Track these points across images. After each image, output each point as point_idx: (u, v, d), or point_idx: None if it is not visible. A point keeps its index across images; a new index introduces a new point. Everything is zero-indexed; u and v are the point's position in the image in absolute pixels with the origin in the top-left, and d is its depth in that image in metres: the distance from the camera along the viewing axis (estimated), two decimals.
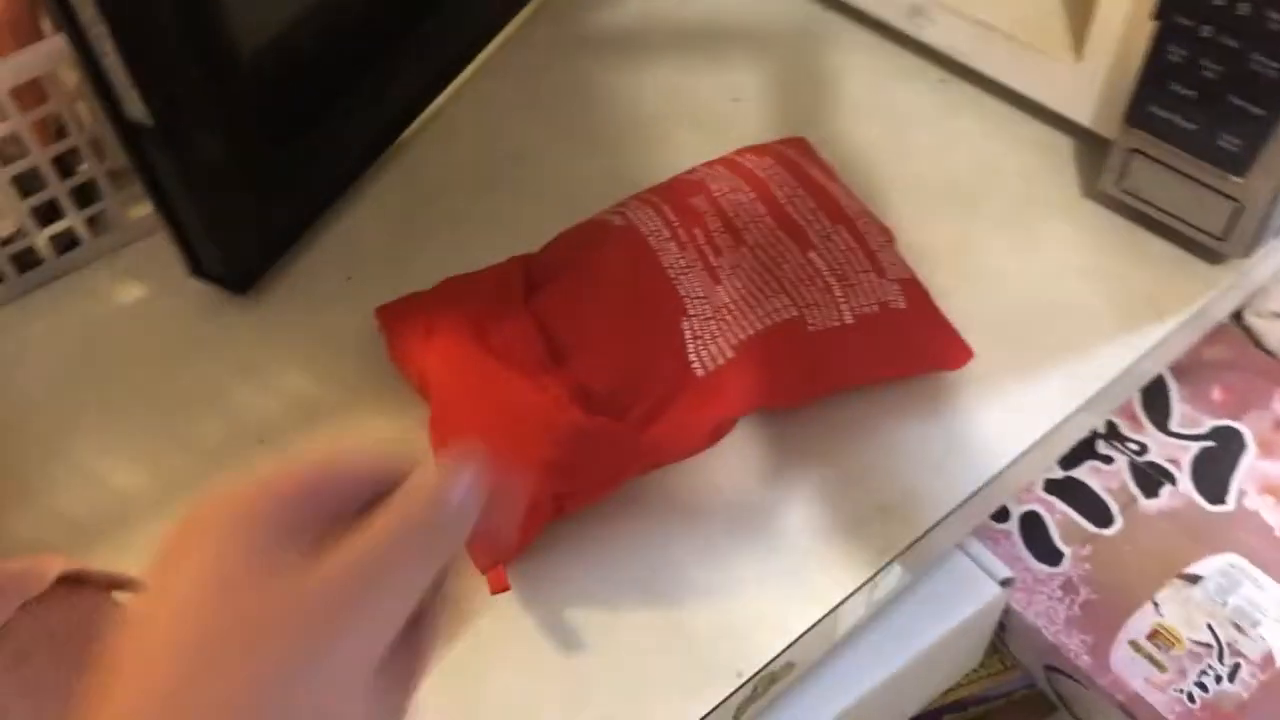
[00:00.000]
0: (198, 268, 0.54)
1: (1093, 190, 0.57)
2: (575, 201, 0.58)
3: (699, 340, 0.46)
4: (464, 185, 0.61)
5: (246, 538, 0.25)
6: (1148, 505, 0.62)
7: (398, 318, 0.50)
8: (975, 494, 0.47)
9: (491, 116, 0.64)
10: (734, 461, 0.48)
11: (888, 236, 0.51)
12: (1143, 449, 0.64)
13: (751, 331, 0.47)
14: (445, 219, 0.59)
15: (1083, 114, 0.56)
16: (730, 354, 0.46)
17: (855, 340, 0.47)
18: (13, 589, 0.34)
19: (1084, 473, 0.63)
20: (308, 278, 0.57)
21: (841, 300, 0.48)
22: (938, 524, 0.46)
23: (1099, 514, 0.62)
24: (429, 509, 0.27)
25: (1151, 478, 0.63)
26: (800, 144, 0.56)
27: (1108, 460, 0.64)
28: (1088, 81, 0.55)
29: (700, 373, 0.45)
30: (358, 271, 0.57)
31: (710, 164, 0.53)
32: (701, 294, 0.47)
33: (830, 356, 0.47)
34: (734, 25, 0.68)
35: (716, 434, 0.47)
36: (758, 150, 0.54)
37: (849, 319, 0.47)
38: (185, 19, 0.45)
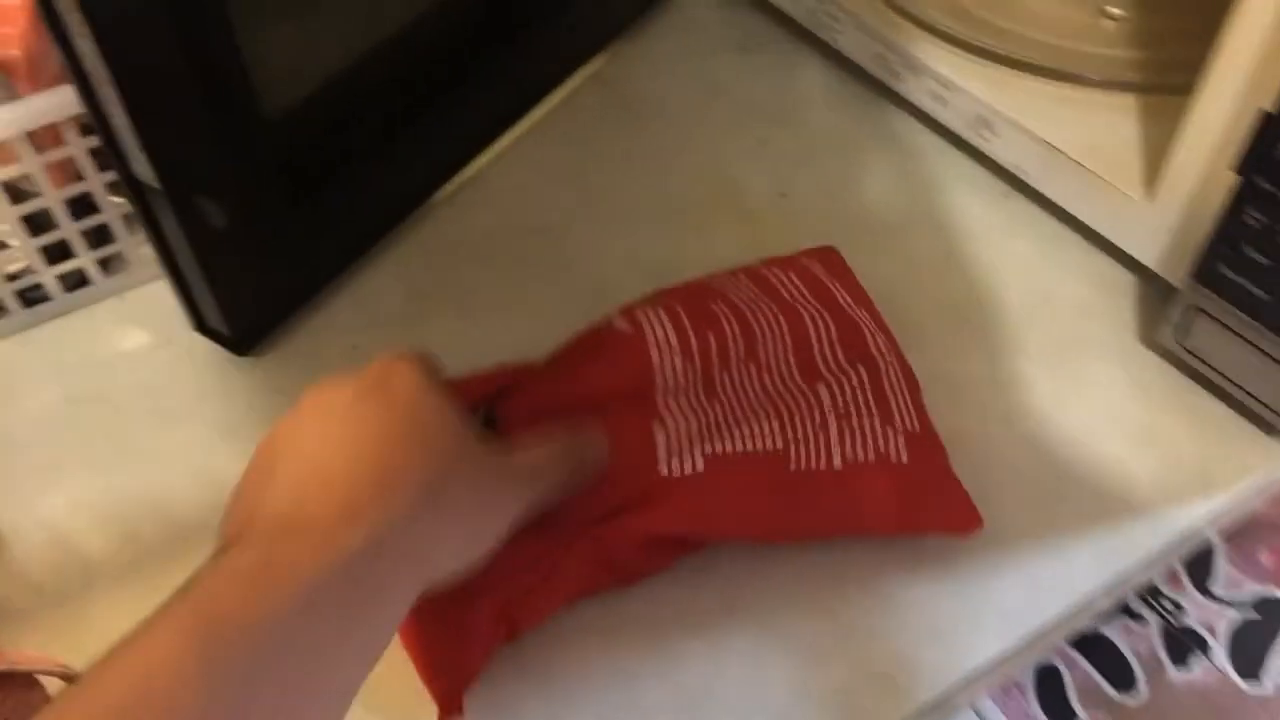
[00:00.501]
0: (201, 324, 0.52)
1: (1150, 339, 0.53)
2: (601, 285, 0.56)
3: (670, 448, 0.44)
4: (488, 256, 0.58)
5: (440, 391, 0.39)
6: (1176, 675, 0.57)
7: None
8: (979, 671, 0.43)
9: (525, 185, 0.62)
10: (715, 599, 0.45)
11: (912, 384, 0.47)
12: (1178, 610, 0.60)
13: (728, 449, 0.44)
14: (464, 291, 0.57)
15: (1148, 256, 0.52)
16: (700, 465, 0.43)
17: (841, 488, 0.44)
18: None
19: (1112, 628, 0.59)
20: (314, 341, 0.55)
21: (835, 443, 0.44)
22: (933, 701, 0.43)
23: (1123, 678, 0.58)
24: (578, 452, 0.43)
25: (1184, 644, 0.58)
26: (831, 257, 0.53)
27: (1139, 619, 0.60)
28: (1157, 223, 0.51)
29: (665, 473, 0.43)
30: (365, 340, 0.55)
31: (734, 273, 0.50)
32: (688, 408, 0.45)
33: (810, 500, 0.44)
34: (793, 113, 0.65)
35: (677, 546, 0.44)
36: (784, 264, 0.51)
37: (838, 464, 0.44)
38: (202, 84, 0.44)
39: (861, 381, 0.46)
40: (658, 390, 0.45)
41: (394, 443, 0.36)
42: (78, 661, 0.38)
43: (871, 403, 0.46)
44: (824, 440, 0.44)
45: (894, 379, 0.47)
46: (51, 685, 0.38)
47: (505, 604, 0.41)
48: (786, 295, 0.49)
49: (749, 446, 0.44)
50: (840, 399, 0.46)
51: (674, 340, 0.47)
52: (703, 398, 0.46)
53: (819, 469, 0.44)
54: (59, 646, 0.43)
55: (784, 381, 0.46)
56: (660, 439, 0.44)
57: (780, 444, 0.44)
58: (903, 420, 0.46)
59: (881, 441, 0.45)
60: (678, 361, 0.46)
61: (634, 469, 0.43)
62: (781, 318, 0.48)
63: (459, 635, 0.41)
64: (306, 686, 0.30)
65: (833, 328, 0.48)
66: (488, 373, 0.48)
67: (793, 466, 0.44)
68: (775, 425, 0.45)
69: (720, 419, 0.45)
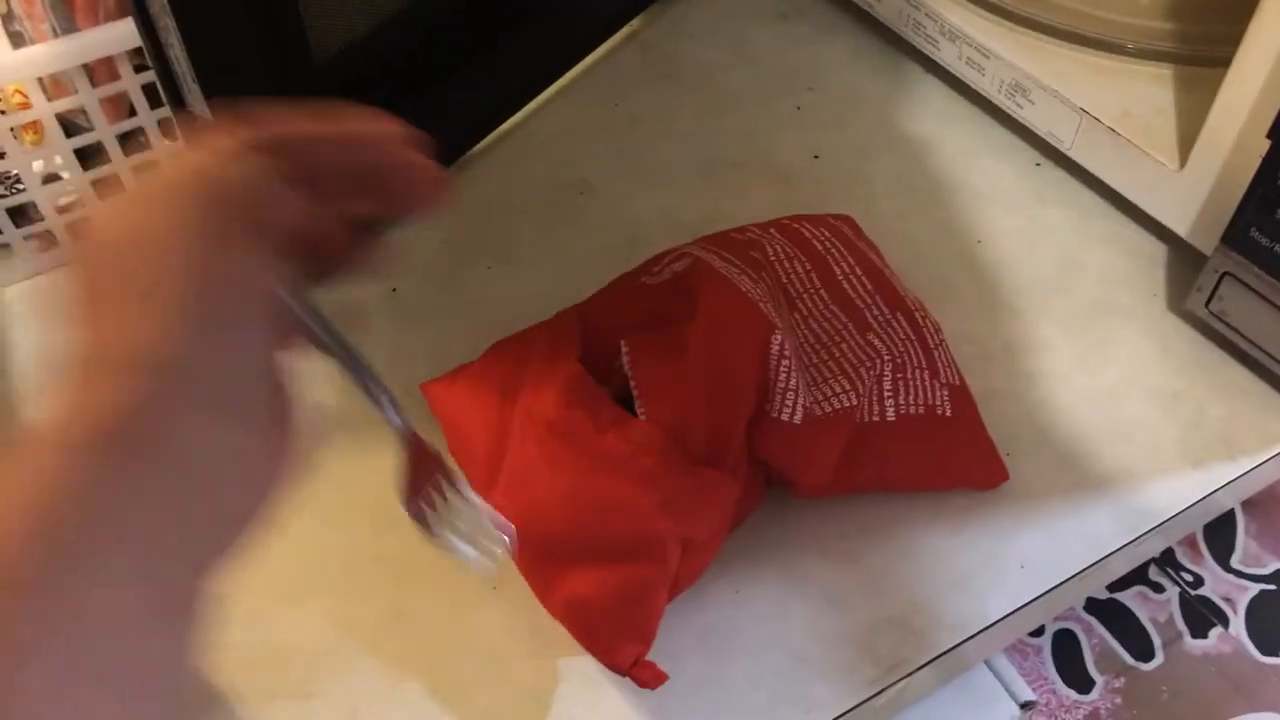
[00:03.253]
0: None
1: (1179, 306, 0.53)
2: (634, 240, 0.57)
3: (783, 360, 0.43)
4: (525, 209, 0.59)
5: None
6: (1194, 645, 0.58)
7: (452, 397, 0.46)
8: (998, 621, 0.44)
9: (564, 140, 0.63)
10: (740, 541, 0.45)
11: (940, 333, 0.48)
12: (1198, 581, 0.60)
13: (817, 411, 0.44)
14: (501, 241, 0.58)
15: (1179, 223, 0.53)
16: (799, 418, 0.43)
17: (894, 441, 0.45)
18: None
19: (1130, 597, 0.60)
20: (353, 287, 0.56)
21: (889, 395, 0.45)
22: (953, 648, 0.43)
23: (1140, 646, 0.58)
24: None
25: (1202, 615, 0.59)
26: (850, 222, 0.53)
27: (1158, 588, 0.60)
28: (1188, 190, 0.51)
29: (775, 414, 0.43)
30: (404, 284, 0.56)
31: (764, 226, 0.51)
32: (779, 322, 0.44)
33: (868, 453, 0.44)
34: (828, 79, 0.65)
35: (761, 492, 0.44)
36: (813, 220, 0.52)
37: (891, 416, 0.45)
38: (258, 21, 0.45)
39: (907, 333, 0.47)
40: (745, 293, 0.44)
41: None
42: None
43: (920, 355, 0.46)
44: (879, 393, 0.45)
45: (931, 330, 0.48)
46: None
47: (683, 554, 0.41)
48: (819, 247, 0.49)
49: (829, 408, 0.44)
50: (894, 350, 0.46)
51: (733, 268, 0.46)
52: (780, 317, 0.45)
53: (875, 421, 0.45)
54: None
55: (836, 335, 0.47)
56: (776, 350, 0.43)
57: (854, 399, 0.44)
58: (947, 374, 0.46)
59: (930, 394, 0.45)
60: (746, 280, 0.46)
61: (752, 397, 0.42)
62: (813, 271, 0.49)
63: (639, 599, 0.40)
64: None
65: (866, 279, 0.48)
66: (553, 324, 0.47)
67: (856, 421, 0.44)
68: (845, 383, 0.45)
69: (799, 362, 0.44)
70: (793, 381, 0.43)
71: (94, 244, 0.26)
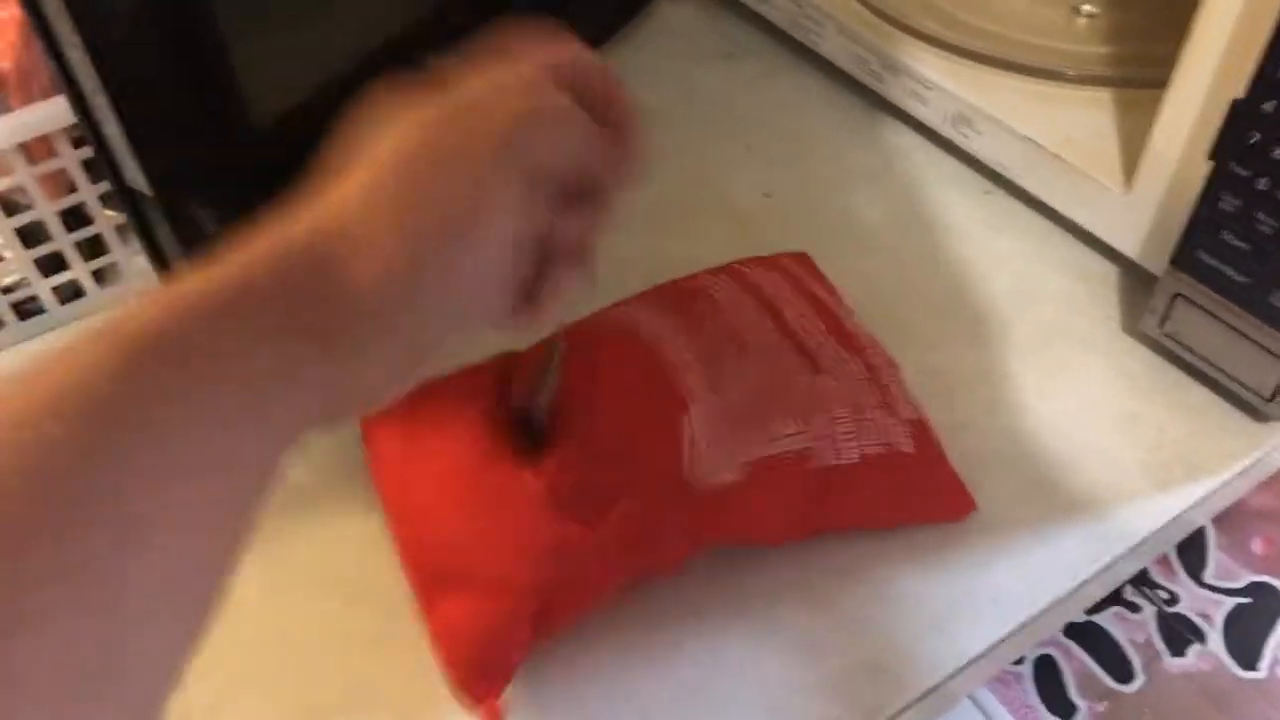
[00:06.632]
0: None
1: (1133, 328, 0.53)
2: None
3: (696, 443, 0.43)
4: None
5: None
6: (1173, 664, 0.58)
7: (381, 433, 0.47)
8: (976, 658, 0.43)
9: None
10: (714, 591, 0.45)
11: (895, 370, 0.48)
12: (1173, 599, 0.60)
13: (760, 455, 0.44)
14: None
15: (1128, 246, 0.53)
16: (731, 474, 0.43)
17: (857, 482, 0.44)
18: None
19: (1107, 619, 0.60)
20: None
21: (849, 436, 0.45)
22: (931, 690, 0.43)
23: (1120, 668, 0.58)
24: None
25: (1180, 633, 0.59)
26: (805, 260, 0.53)
27: (1134, 608, 0.60)
28: (1136, 213, 0.52)
29: (691, 480, 0.43)
30: None
31: (713, 272, 0.51)
32: (702, 394, 0.45)
33: (829, 497, 0.44)
34: (776, 118, 0.66)
35: (694, 552, 0.44)
36: (764, 263, 0.51)
37: (854, 457, 0.44)
38: (193, 93, 0.44)
39: (859, 370, 0.47)
40: (666, 363, 0.45)
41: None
42: None
43: (876, 393, 0.46)
44: (838, 435, 0.45)
45: (885, 368, 0.47)
46: None
47: (543, 603, 0.41)
48: (769, 291, 0.49)
49: (775, 450, 0.44)
50: (848, 390, 0.46)
51: (665, 331, 0.47)
52: (711, 385, 0.45)
53: (838, 465, 0.44)
54: None
55: (788, 376, 0.46)
56: (687, 434, 0.43)
57: (806, 443, 0.44)
58: (905, 409, 0.46)
59: (889, 431, 0.45)
60: (681, 342, 0.46)
61: (659, 462, 0.43)
62: (766, 315, 0.49)
63: (498, 635, 0.40)
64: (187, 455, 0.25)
65: (817, 320, 0.48)
66: (474, 368, 0.47)
67: (815, 464, 0.44)
68: (795, 423, 0.45)
69: (737, 416, 0.45)
70: (709, 452, 0.43)
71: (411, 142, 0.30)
